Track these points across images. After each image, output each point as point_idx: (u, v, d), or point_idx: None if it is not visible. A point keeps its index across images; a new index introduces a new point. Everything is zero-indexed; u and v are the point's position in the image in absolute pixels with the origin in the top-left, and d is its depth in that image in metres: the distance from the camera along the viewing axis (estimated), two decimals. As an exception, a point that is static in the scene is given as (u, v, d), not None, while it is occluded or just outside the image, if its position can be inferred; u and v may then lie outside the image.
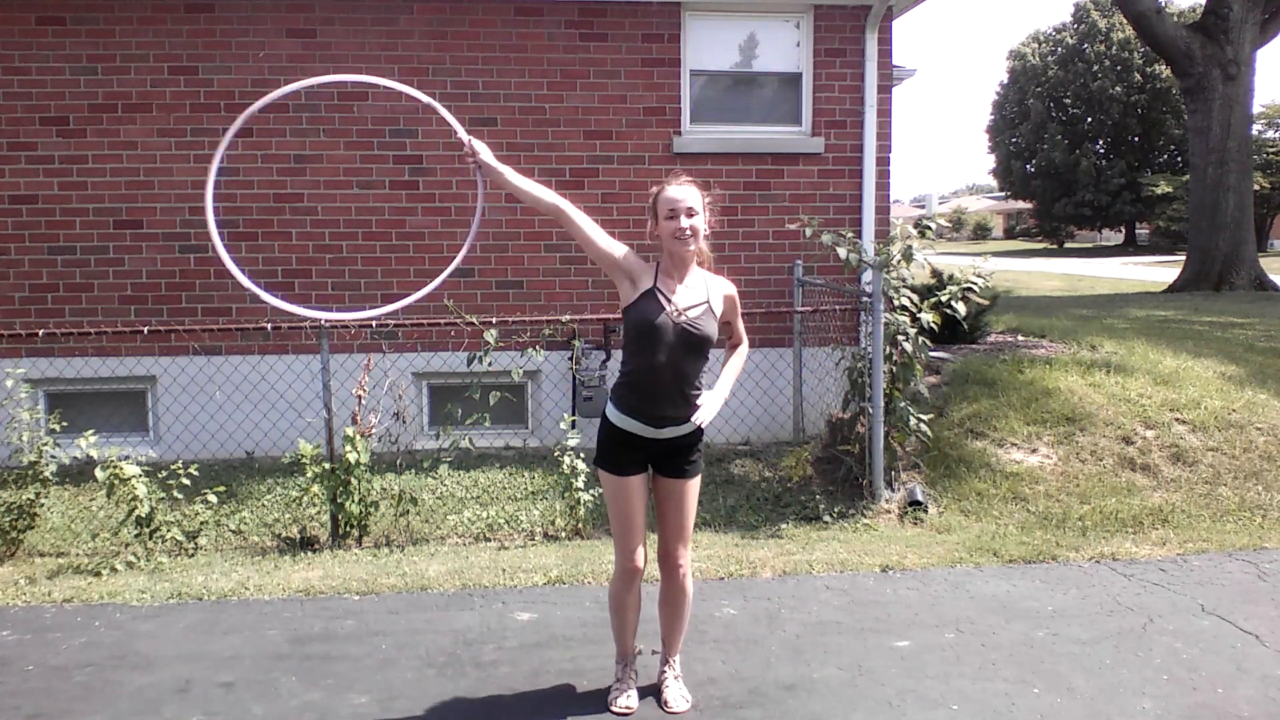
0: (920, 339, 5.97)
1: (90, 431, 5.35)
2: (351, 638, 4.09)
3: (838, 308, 6.71)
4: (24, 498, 5.30)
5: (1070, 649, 3.93)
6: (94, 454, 5.17)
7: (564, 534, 5.62)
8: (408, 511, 5.62)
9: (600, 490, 4.21)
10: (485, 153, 3.24)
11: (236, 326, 5.91)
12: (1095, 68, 42.25)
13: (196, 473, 5.47)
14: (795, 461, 6.51)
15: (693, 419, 3.21)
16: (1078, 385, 7.09)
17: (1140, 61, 41.02)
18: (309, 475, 5.34)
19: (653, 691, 3.52)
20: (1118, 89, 41.52)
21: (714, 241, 3.43)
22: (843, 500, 6.00)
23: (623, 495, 3.30)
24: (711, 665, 3.79)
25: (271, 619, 4.31)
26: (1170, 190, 36.78)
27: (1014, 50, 46.42)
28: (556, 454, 5.63)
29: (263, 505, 6.18)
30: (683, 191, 3.20)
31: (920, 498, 5.88)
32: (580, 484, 5.48)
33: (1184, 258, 17.90)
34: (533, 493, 6.35)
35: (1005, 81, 47.25)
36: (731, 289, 3.37)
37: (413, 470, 6.51)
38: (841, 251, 5.96)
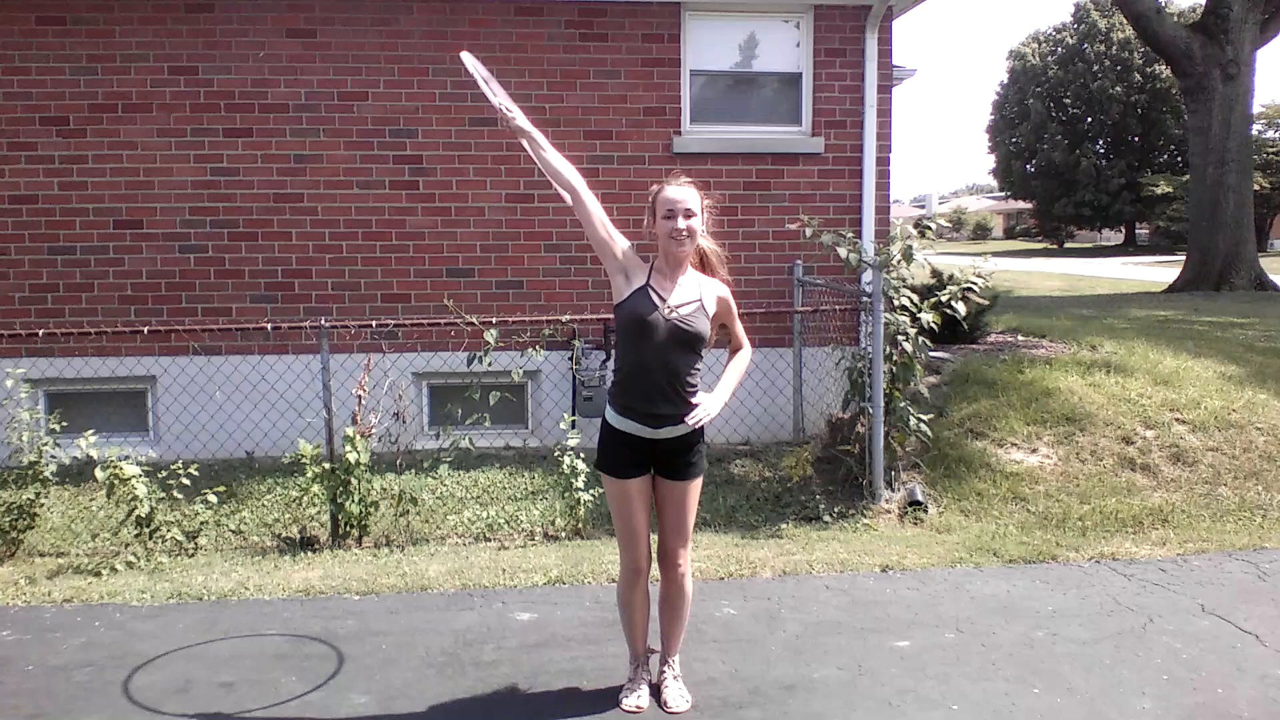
0: (920, 339, 5.97)
1: (90, 431, 5.35)
2: (351, 638, 4.09)
3: (838, 308, 6.71)
4: (24, 498, 5.31)
5: (1070, 649, 3.93)
6: (94, 454, 5.18)
7: (564, 534, 5.62)
8: (408, 511, 5.62)
9: (601, 490, 4.21)
10: (520, 117, 3.40)
11: (236, 326, 5.91)
12: (1095, 68, 42.22)
13: (196, 473, 5.47)
14: (795, 461, 6.50)
15: (688, 419, 3.21)
16: (1078, 385, 7.09)
17: (1140, 61, 40.99)
18: (309, 475, 5.34)
19: (652, 691, 3.51)
20: (1118, 89, 41.49)
21: (714, 241, 3.44)
22: (843, 500, 6.01)
23: (624, 498, 3.31)
24: (711, 665, 3.79)
25: (271, 619, 4.32)
26: (1170, 190, 36.76)
27: (1014, 50, 46.38)
28: (556, 454, 5.63)
29: (263, 505, 6.17)
30: (682, 192, 3.21)
31: (920, 498, 5.89)
32: (580, 484, 5.48)
33: (1184, 258, 17.89)
34: (533, 493, 6.35)
35: (1005, 81, 47.21)
36: (725, 290, 3.37)
37: (413, 470, 6.51)
38: (841, 251, 5.96)
